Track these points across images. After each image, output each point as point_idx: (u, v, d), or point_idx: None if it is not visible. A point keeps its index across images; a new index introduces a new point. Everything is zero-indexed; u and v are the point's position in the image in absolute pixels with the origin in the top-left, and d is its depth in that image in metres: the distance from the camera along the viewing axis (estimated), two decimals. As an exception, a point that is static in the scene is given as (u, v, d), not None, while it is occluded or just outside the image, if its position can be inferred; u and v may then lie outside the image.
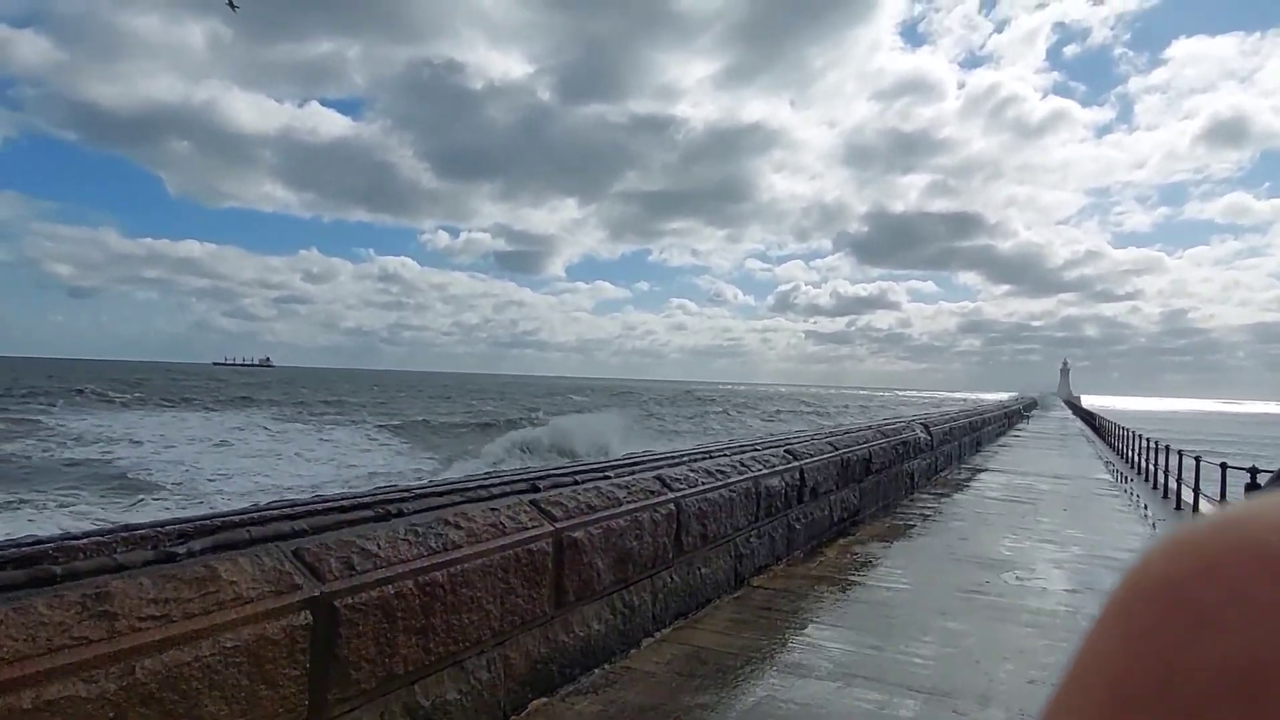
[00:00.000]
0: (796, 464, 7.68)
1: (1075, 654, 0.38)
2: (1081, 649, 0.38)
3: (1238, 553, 0.35)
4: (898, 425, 13.14)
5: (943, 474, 16.25)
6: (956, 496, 13.25)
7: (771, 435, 8.91)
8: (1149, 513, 12.38)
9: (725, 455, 6.69)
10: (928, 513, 11.10)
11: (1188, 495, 13.25)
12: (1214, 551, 0.35)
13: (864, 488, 10.11)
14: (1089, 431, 41.18)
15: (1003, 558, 8.21)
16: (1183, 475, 13.80)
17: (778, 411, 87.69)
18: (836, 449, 8.99)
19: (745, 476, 6.51)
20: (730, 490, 6.14)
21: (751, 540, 6.65)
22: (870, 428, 11.73)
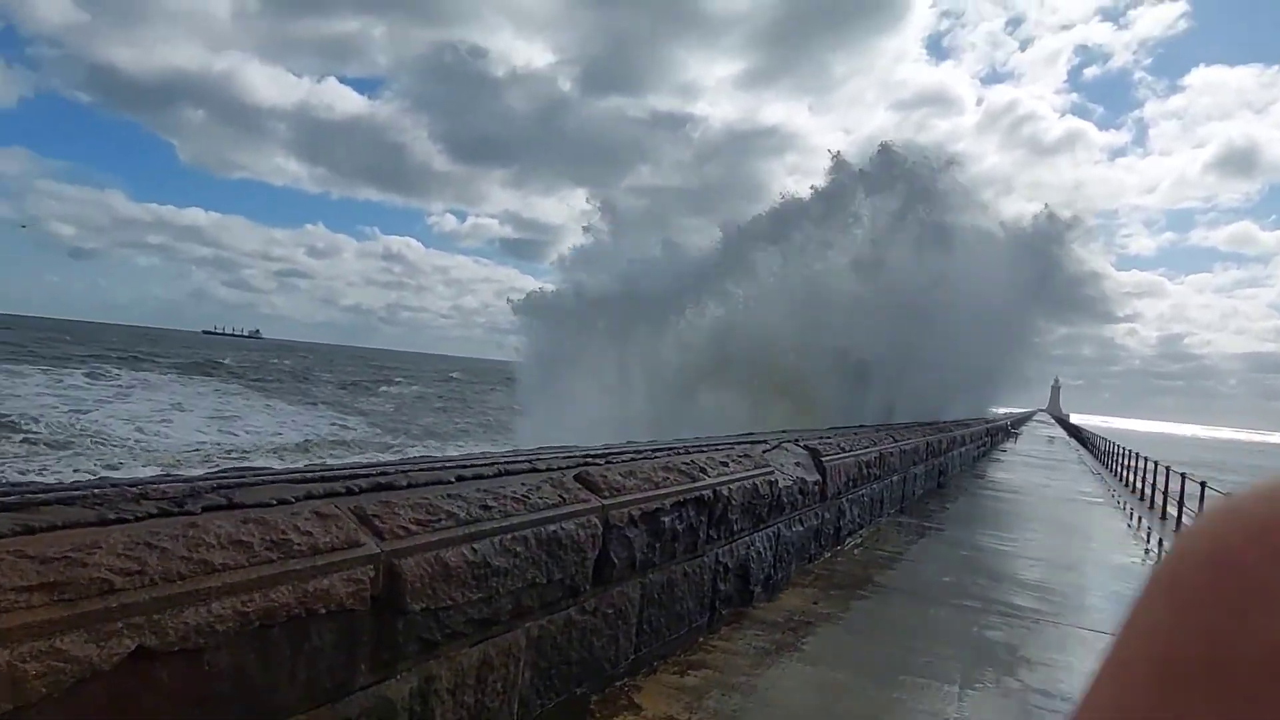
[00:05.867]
0: None
1: (1122, 624, 0.37)
2: (1128, 620, 0.37)
3: None
4: (706, 458, 5.46)
5: (848, 544, 8.64)
6: (828, 634, 5.59)
7: None
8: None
9: None
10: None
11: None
12: (1264, 519, 0.34)
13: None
14: (1084, 453, 34.63)
15: None
16: None
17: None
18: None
19: None
20: None
21: None
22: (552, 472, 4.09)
